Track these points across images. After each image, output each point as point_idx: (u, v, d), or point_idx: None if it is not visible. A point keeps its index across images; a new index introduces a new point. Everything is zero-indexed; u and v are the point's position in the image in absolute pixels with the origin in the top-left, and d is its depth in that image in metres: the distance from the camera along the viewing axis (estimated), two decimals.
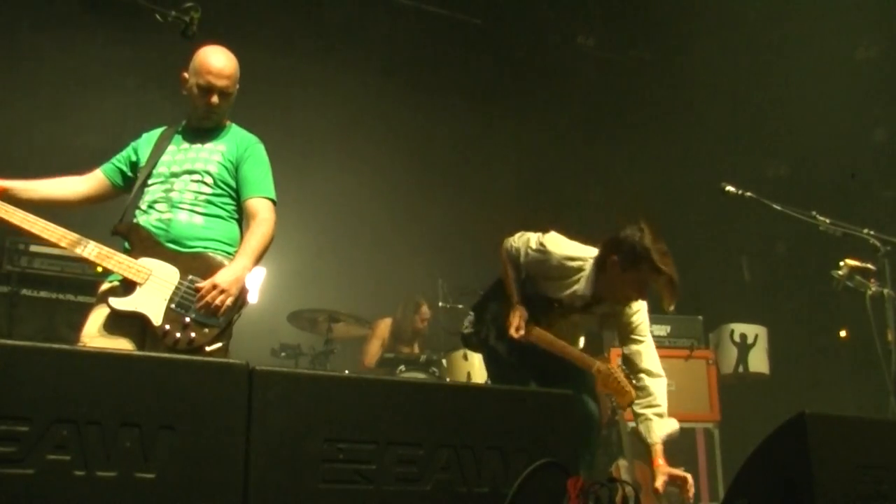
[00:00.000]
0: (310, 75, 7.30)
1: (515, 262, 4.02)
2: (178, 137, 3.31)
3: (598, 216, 8.46)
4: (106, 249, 3.00)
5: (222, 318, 3.06)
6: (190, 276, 3.05)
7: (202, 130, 3.31)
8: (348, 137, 7.49)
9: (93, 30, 6.30)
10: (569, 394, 2.33)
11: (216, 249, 3.17)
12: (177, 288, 3.03)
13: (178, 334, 2.96)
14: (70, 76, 6.35)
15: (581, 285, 3.81)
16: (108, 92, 6.15)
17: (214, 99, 3.23)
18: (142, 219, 3.12)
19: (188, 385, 1.77)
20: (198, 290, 3.02)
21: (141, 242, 3.06)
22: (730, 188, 3.99)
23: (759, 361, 6.77)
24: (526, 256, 3.96)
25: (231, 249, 3.21)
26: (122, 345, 2.97)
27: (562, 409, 2.27)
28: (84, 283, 4.77)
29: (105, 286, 3.12)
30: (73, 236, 3.00)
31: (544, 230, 4.11)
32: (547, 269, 3.89)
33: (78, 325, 3.16)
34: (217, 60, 3.24)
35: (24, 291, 4.83)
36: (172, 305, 3.00)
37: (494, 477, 2.06)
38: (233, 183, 3.28)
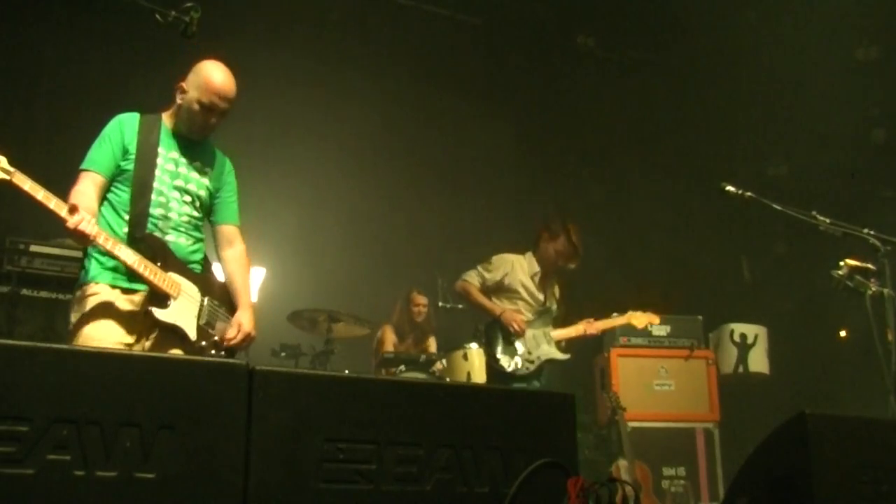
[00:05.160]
0: (310, 75, 7.30)
1: (475, 288, 5.38)
2: (168, 141, 3.24)
3: (598, 216, 8.47)
4: (139, 256, 2.98)
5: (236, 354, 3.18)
6: (208, 297, 3.20)
7: (190, 141, 3.30)
8: (348, 137, 7.49)
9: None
10: (569, 394, 2.33)
11: (199, 272, 3.27)
12: (202, 305, 3.15)
13: (212, 351, 3.09)
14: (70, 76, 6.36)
15: (529, 264, 5.39)
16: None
17: (214, 120, 3.25)
18: (170, 240, 3.15)
19: (188, 385, 1.77)
20: (220, 313, 3.24)
21: (165, 256, 3.10)
22: (730, 188, 3.99)
23: (759, 361, 6.77)
24: (482, 276, 5.38)
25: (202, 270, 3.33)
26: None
27: (562, 409, 2.27)
28: None
29: (107, 294, 3.03)
30: (111, 235, 2.97)
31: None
32: (502, 273, 5.36)
33: None
34: (225, 83, 3.23)
35: (24, 291, 4.83)
36: (202, 322, 3.13)
37: (494, 477, 2.06)
38: (209, 206, 3.39)
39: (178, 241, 3.18)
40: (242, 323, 3.18)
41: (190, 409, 1.75)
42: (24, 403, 1.61)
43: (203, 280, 3.22)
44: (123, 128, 3.18)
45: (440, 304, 6.30)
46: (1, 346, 1.65)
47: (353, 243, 7.28)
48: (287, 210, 7.29)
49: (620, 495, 2.07)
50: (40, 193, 2.72)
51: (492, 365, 5.15)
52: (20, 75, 6.26)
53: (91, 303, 3.01)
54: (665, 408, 6.28)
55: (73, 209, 2.76)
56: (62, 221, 2.75)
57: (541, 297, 5.45)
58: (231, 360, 1.84)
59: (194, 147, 3.31)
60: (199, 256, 3.29)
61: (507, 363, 5.17)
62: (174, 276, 3.07)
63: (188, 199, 3.24)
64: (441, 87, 7.89)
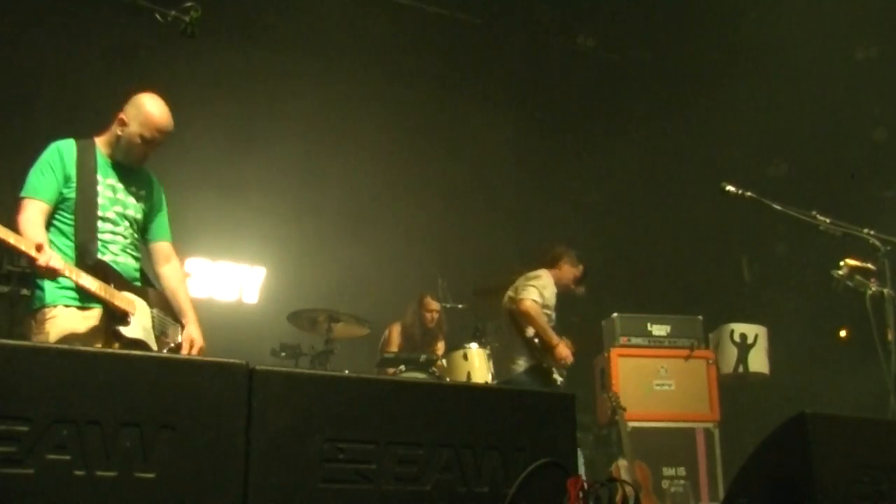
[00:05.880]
0: (310, 75, 7.31)
1: (541, 309, 5.19)
2: (105, 168, 3.36)
3: (598, 215, 8.48)
4: (98, 281, 3.10)
5: None
6: (155, 308, 3.37)
7: (124, 167, 3.43)
8: (348, 137, 7.50)
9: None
10: (569, 394, 2.33)
11: (141, 286, 3.43)
12: (153, 317, 3.33)
13: None
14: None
15: (553, 286, 5.38)
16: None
17: (152, 151, 3.40)
18: (106, 257, 3.27)
19: (188, 385, 1.77)
20: (168, 321, 3.42)
21: (116, 277, 3.23)
22: (730, 188, 3.99)
23: (759, 361, 6.76)
24: (542, 295, 5.21)
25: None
26: None
27: (562, 409, 2.27)
28: None
29: (66, 314, 3.12)
30: (71, 265, 3.06)
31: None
32: (551, 291, 5.34)
33: None
34: (165, 117, 3.35)
35: (24, 291, 4.82)
36: (157, 333, 3.32)
37: (494, 477, 2.06)
38: (143, 226, 3.55)
39: (126, 262, 3.35)
40: (194, 338, 3.44)
41: (190, 409, 1.75)
42: (24, 403, 1.61)
43: (146, 293, 3.38)
44: (63, 155, 3.28)
45: (440, 303, 6.32)
46: (1, 346, 1.65)
47: (353, 243, 7.28)
48: (287, 210, 7.29)
49: (620, 495, 2.08)
50: (11, 238, 2.80)
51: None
52: (20, 79, 6.26)
53: (54, 325, 3.12)
54: (665, 408, 6.28)
55: (39, 247, 2.84)
56: (31, 260, 2.84)
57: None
58: (231, 360, 1.84)
59: (129, 173, 3.44)
60: (139, 273, 3.47)
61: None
62: (127, 295, 3.23)
63: (127, 223, 3.39)
64: (441, 86, 7.89)
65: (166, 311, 3.46)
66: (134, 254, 3.42)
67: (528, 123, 8.49)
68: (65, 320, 3.12)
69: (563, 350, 5.11)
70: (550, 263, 5.49)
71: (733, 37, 7.34)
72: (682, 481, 6.15)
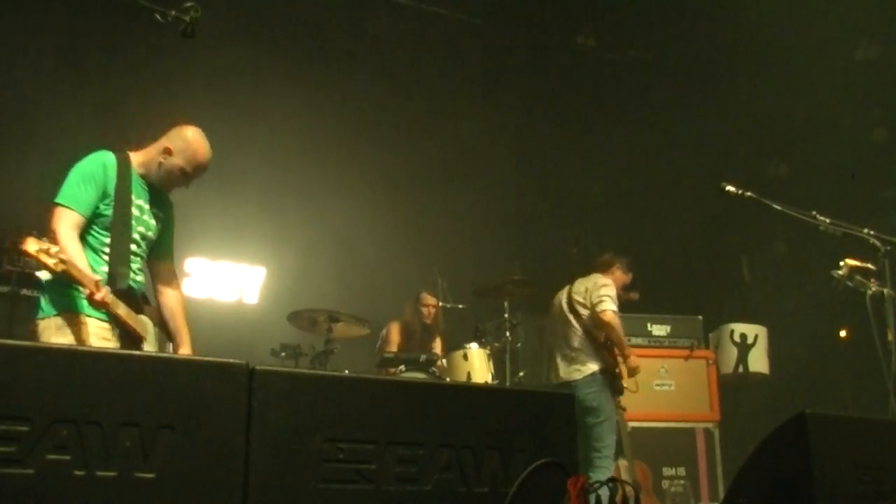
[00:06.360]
0: (310, 75, 7.31)
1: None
2: (137, 188, 3.37)
3: (598, 215, 8.48)
4: (126, 308, 3.17)
5: None
6: (156, 328, 3.43)
7: (153, 189, 3.46)
8: (348, 137, 7.50)
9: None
10: (569, 394, 2.33)
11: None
12: (155, 337, 3.40)
13: None
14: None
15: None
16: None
17: (186, 184, 3.47)
18: (131, 281, 3.30)
19: (188, 385, 1.77)
20: (162, 336, 3.47)
21: (135, 302, 3.28)
22: (730, 188, 3.98)
23: (759, 361, 6.76)
24: (616, 303, 5.35)
25: None
26: None
27: (562, 409, 2.27)
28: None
29: (96, 325, 3.15)
30: (112, 296, 3.10)
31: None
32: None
33: None
34: (209, 157, 3.43)
35: (24, 291, 4.82)
36: (157, 350, 3.38)
37: (494, 477, 2.06)
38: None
39: (140, 281, 3.39)
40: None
41: (190, 408, 1.75)
42: (24, 403, 1.61)
43: (150, 313, 3.42)
44: (107, 170, 3.27)
45: (440, 303, 6.32)
46: (1, 346, 1.65)
47: (353, 243, 7.28)
48: (287, 210, 7.29)
49: (620, 495, 2.08)
50: (74, 270, 2.90)
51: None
52: (20, 79, 6.25)
53: (85, 332, 3.14)
54: (665, 408, 6.28)
55: (98, 284, 2.97)
56: (90, 294, 2.94)
57: None
58: (231, 361, 1.84)
59: (155, 194, 3.48)
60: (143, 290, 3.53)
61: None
62: (143, 318, 3.31)
63: (145, 244, 3.42)
64: (441, 86, 7.89)
65: (161, 328, 3.49)
66: (142, 270, 3.45)
67: (529, 123, 8.49)
68: (96, 330, 3.14)
69: (635, 360, 5.30)
70: (603, 268, 5.59)
71: (733, 37, 7.34)
72: (682, 481, 6.15)
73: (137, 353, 2.81)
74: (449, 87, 7.92)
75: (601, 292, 5.31)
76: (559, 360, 5.38)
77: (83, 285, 2.93)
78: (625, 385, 5.32)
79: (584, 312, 5.34)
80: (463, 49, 7.65)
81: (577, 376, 5.24)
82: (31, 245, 2.80)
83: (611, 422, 5.18)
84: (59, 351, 1.72)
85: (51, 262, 2.80)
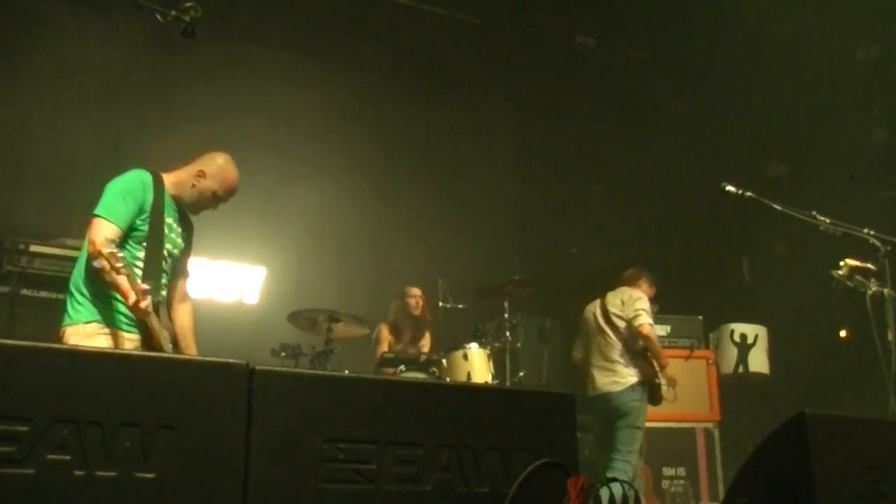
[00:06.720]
0: (310, 74, 7.30)
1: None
2: (169, 207, 3.50)
3: (598, 215, 8.47)
4: (156, 321, 3.25)
5: None
6: (171, 343, 3.48)
7: (181, 209, 3.60)
8: (349, 136, 7.50)
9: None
10: (569, 394, 2.33)
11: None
12: (171, 352, 3.42)
13: None
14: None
15: None
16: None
17: (214, 207, 3.64)
18: (158, 297, 3.39)
19: (188, 385, 1.77)
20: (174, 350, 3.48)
21: (159, 316, 3.35)
22: (730, 188, 3.98)
23: (759, 361, 6.76)
24: (652, 315, 5.46)
25: None
26: None
27: (562, 409, 2.27)
28: None
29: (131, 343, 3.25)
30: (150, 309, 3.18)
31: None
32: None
33: None
34: (237, 183, 3.64)
35: (24, 291, 4.83)
36: None
37: (494, 477, 2.06)
38: None
39: (163, 294, 3.48)
40: None
41: (190, 409, 1.75)
42: (24, 403, 1.61)
43: (165, 324, 3.48)
44: (146, 188, 3.40)
45: (440, 303, 6.31)
46: (1, 346, 1.65)
47: (353, 243, 7.28)
48: (287, 210, 7.29)
49: (620, 495, 2.08)
50: (124, 279, 3.00)
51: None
52: (20, 79, 6.25)
53: (114, 343, 3.23)
54: (665, 408, 6.28)
55: (146, 292, 3.07)
56: (136, 301, 3.02)
57: None
58: (231, 360, 1.84)
59: (182, 215, 3.63)
60: None
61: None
62: (165, 332, 3.38)
63: (171, 261, 3.53)
64: (441, 86, 7.89)
65: (173, 343, 3.55)
66: (165, 286, 3.53)
67: (528, 123, 8.48)
68: (123, 341, 3.23)
69: (671, 370, 5.41)
70: (629, 282, 5.67)
71: (733, 37, 7.34)
72: (682, 481, 6.15)
73: (137, 353, 2.82)
74: (449, 87, 7.92)
75: (636, 306, 5.40)
76: (595, 372, 5.43)
77: (130, 291, 3.00)
78: (664, 395, 5.39)
79: (622, 324, 5.42)
80: (463, 49, 7.65)
81: (617, 388, 5.31)
82: (105, 246, 2.92)
83: (640, 431, 5.28)
84: (59, 351, 1.71)
85: (119, 265, 2.92)
